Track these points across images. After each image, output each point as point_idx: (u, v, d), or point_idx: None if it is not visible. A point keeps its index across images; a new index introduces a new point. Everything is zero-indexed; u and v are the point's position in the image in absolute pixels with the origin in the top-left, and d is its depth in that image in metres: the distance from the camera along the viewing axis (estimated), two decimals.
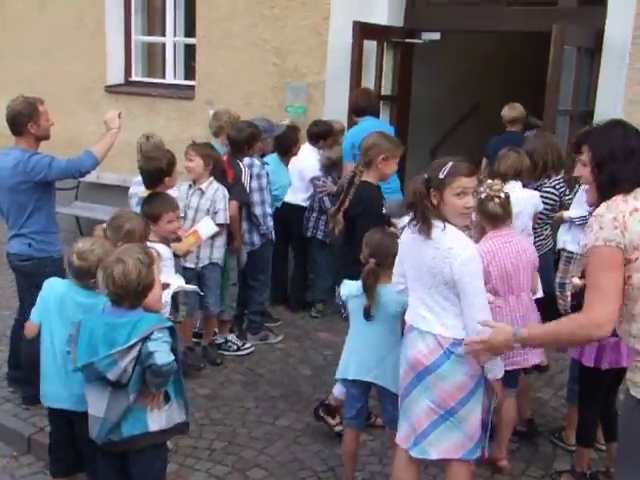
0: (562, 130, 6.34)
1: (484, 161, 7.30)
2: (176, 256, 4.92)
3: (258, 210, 5.81)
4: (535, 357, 4.16)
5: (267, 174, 5.87)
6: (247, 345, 5.88)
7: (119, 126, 5.00)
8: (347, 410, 4.05)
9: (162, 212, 4.57)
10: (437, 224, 3.21)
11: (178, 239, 5.06)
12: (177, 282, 4.28)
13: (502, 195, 4.02)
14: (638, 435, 2.76)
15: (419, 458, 3.45)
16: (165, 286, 3.98)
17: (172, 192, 5.03)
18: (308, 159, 6.54)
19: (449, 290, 3.21)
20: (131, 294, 3.18)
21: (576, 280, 3.97)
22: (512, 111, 7.31)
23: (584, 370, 4.01)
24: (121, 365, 3.12)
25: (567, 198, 5.60)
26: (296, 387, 5.29)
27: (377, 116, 6.57)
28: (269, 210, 5.90)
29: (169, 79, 8.70)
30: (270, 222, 5.92)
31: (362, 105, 6.33)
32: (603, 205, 2.73)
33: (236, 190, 5.55)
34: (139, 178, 5.19)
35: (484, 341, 3.03)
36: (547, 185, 5.33)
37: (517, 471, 4.31)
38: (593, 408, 4.08)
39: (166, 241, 4.60)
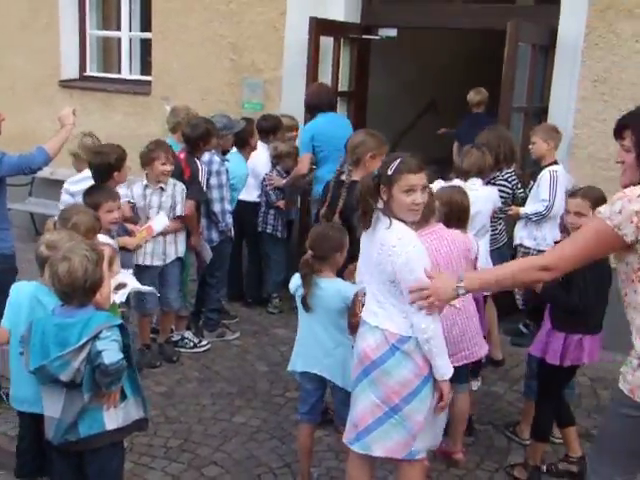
0: (517, 126, 6.41)
1: (455, 144, 7.51)
2: (128, 250, 4.89)
3: (217, 207, 5.77)
4: (482, 350, 4.17)
5: (227, 171, 5.84)
6: (204, 342, 5.83)
7: (73, 122, 4.98)
8: (301, 405, 4.04)
9: (101, 201, 4.51)
10: (384, 220, 3.20)
11: (131, 233, 5.03)
12: (133, 282, 4.21)
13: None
14: (619, 426, 2.81)
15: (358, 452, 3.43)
16: (121, 286, 3.93)
17: (120, 189, 4.99)
18: (260, 155, 6.52)
19: (395, 287, 3.20)
20: (78, 292, 3.12)
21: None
22: (477, 95, 8.08)
23: (545, 367, 4.05)
24: (74, 365, 3.07)
25: (519, 192, 5.68)
26: (253, 383, 5.27)
27: (333, 111, 6.55)
28: (228, 207, 5.86)
29: (125, 74, 8.57)
30: (229, 219, 5.88)
31: (314, 102, 6.34)
32: (637, 190, 2.67)
33: (193, 189, 5.51)
34: (75, 177, 5.30)
35: (426, 287, 3.06)
36: (500, 178, 5.41)
37: (472, 465, 4.35)
38: (551, 404, 4.13)
39: (108, 233, 4.52)
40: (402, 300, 3.20)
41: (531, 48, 6.39)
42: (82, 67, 8.78)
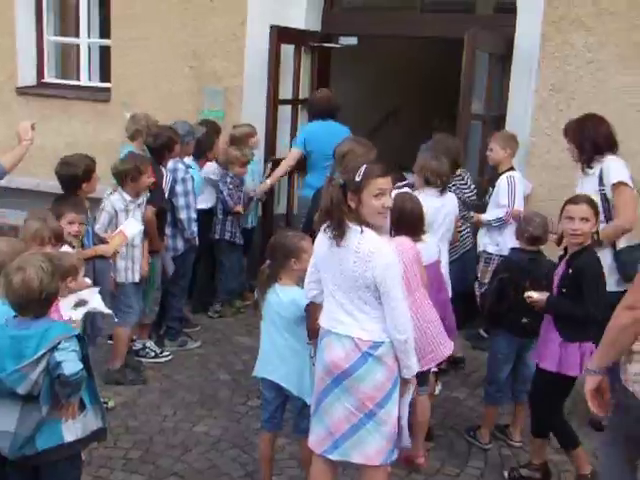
0: (475, 134, 6.50)
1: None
2: (106, 258, 4.89)
3: (183, 214, 5.76)
4: (446, 349, 4.16)
5: (192, 178, 5.83)
6: (165, 353, 5.79)
7: (32, 138, 4.94)
8: (262, 412, 4.04)
9: (64, 212, 4.48)
10: (355, 228, 3.23)
11: (104, 241, 4.99)
12: (95, 302, 4.06)
13: None
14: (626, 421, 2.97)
15: (336, 461, 3.46)
16: (81, 303, 3.86)
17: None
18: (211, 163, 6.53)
19: (370, 294, 3.23)
20: (33, 304, 3.08)
21: (535, 293, 4.10)
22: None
23: (561, 379, 4.03)
24: (32, 378, 3.02)
25: (469, 196, 5.71)
26: (214, 392, 5.25)
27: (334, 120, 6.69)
28: (194, 215, 5.85)
29: (84, 81, 8.49)
30: (194, 227, 5.88)
31: (315, 108, 6.62)
32: None
33: (154, 195, 5.49)
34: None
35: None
36: (456, 184, 5.50)
37: (432, 470, 4.39)
38: (562, 412, 4.16)
39: (69, 244, 4.45)
40: (376, 305, 3.24)
41: (489, 57, 6.49)
42: (40, 73, 8.66)
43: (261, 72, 7.05)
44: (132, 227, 5.18)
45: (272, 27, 6.89)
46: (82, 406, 3.25)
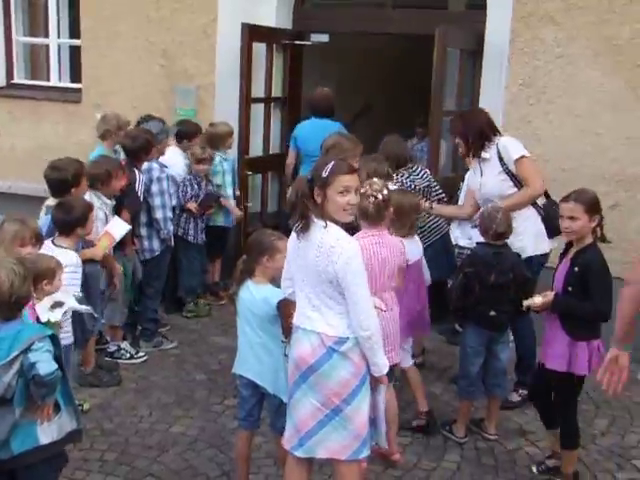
0: (447, 130, 6.52)
1: None
2: (95, 262, 4.86)
3: (159, 214, 5.74)
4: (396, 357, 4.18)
5: (167, 177, 5.80)
6: (140, 354, 5.76)
7: None
8: (238, 411, 4.04)
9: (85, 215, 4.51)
10: (319, 223, 3.24)
11: (91, 245, 4.94)
12: (70, 302, 4.07)
13: (380, 196, 3.98)
14: None
15: (309, 459, 3.47)
16: (57, 304, 3.84)
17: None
18: (176, 160, 6.49)
19: (333, 289, 3.24)
20: (3, 307, 3.06)
21: (538, 299, 4.07)
22: None
23: (572, 379, 4.03)
24: (4, 380, 3.00)
25: (435, 191, 5.77)
26: (190, 393, 5.23)
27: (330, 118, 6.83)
28: (170, 214, 5.83)
29: (54, 82, 8.40)
30: (170, 226, 5.86)
31: (312, 105, 6.87)
32: None
33: (129, 199, 5.47)
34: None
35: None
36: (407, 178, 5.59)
37: (409, 465, 4.41)
38: (576, 412, 4.17)
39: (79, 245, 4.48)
40: (340, 300, 3.24)
41: (459, 53, 6.52)
42: (9, 74, 8.56)
43: (233, 70, 7.03)
44: (119, 227, 5.13)
45: (243, 25, 6.88)
46: (57, 408, 3.24)
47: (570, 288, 4.01)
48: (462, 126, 5.19)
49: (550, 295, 4.04)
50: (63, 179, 4.84)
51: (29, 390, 3.08)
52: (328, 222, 3.24)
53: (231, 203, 6.84)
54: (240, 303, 3.82)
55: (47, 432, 3.20)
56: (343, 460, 3.37)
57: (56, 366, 3.06)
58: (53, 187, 4.91)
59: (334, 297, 3.26)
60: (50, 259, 3.88)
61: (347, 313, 3.26)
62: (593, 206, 3.99)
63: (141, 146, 5.62)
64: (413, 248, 4.63)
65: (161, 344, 5.97)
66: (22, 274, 3.09)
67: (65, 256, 4.27)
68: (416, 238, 4.84)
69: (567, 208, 3.99)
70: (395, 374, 4.37)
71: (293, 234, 3.39)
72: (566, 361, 4.01)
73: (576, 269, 3.98)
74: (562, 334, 4.02)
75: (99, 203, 5.14)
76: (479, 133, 5.10)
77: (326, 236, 3.22)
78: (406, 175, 5.60)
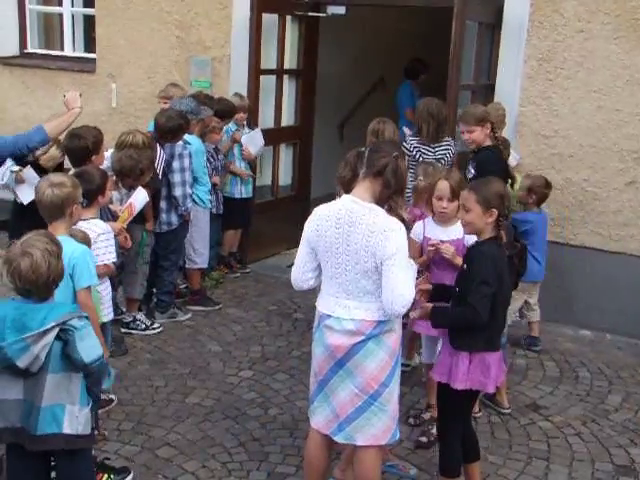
0: (464, 104, 6.45)
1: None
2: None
3: (178, 191, 5.74)
4: None
5: (190, 155, 5.79)
6: (155, 325, 5.79)
7: (81, 106, 4.91)
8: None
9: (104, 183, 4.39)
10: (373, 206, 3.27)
11: (115, 217, 4.90)
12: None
13: None
14: None
15: (339, 442, 3.46)
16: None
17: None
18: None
19: (372, 272, 3.23)
20: (42, 287, 3.00)
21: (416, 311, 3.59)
22: None
23: (452, 392, 3.50)
24: (34, 351, 2.91)
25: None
26: (205, 364, 5.26)
27: None
28: (189, 191, 5.83)
29: (68, 51, 8.36)
30: (189, 203, 5.85)
31: None
32: None
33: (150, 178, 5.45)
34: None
35: None
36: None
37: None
38: (459, 435, 3.62)
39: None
40: (377, 284, 3.23)
41: (478, 26, 6.44)
42: (22, 43, 8.52)
43: (247, 41, 6.96)
44: (140, 197, 5.11)
45: None
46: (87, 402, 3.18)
47: (458, 289, 3.55)
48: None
49: (427, 307, 3.55)
50: (84, 146, 4.81)
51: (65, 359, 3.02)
52: (374, 206, 3.27)
53: (241, 169, 6.83)
54: None
55: (74, 423, 3.08)
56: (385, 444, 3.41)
57: (100, 352, 3.03)
58: (74, 155, 4.87)
59: (374, 281, 3.25)
60: (80, 233, 3.87)
61: (379, 296, 3.25)
62: (488, 201, 3.43)
63: (172, 128, 5.62)
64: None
65: (176, 315, 6.00)
66: (56, 252, 3.02)
67: (95, 226, 4.24)
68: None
69: (463, 196, 3.55)
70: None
71: (319, 222, 3.33)
72: (447, 372, 3.51)
73: (465, 266, 3.55)
74: (446, 341, 3.59)
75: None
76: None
77: (377, 219, 3.23)
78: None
